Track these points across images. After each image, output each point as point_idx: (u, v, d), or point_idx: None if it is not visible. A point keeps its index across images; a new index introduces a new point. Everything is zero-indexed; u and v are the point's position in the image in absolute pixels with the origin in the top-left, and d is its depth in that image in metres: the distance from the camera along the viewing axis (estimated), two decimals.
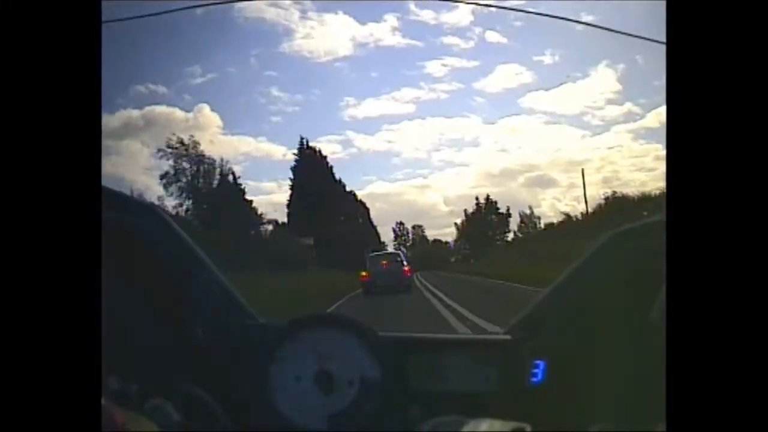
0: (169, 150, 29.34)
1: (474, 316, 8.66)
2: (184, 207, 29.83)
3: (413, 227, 67.62)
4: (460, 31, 69.49)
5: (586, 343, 0.85)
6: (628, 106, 63.67)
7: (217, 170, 31.41)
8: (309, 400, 0.85)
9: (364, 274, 16.63)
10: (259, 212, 33.73)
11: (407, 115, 75.52)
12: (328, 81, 58.88)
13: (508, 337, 0.94)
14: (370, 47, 59.15)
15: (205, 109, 49.44)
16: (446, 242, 65.15)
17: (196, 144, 30.55)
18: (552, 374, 0.86)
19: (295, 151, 45.44)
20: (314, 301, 13.51)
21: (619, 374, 0.81)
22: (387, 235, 61.73)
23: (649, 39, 0.97)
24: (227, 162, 32.61)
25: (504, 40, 65.99)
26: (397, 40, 59.51)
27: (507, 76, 73.31)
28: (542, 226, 52.99)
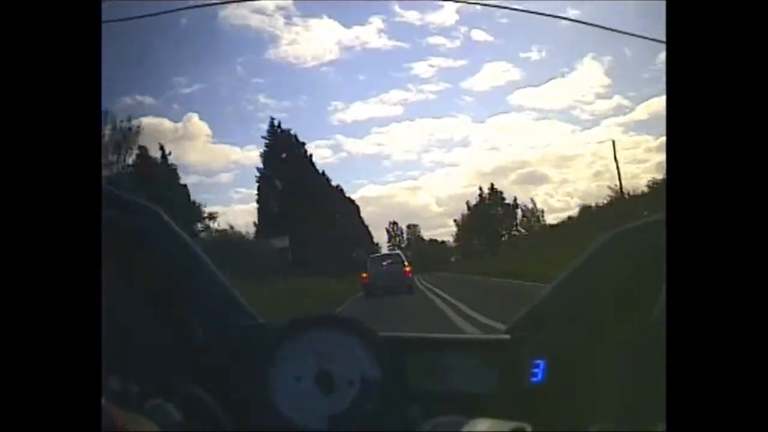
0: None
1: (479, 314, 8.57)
2: None
3: (408, 227, 66.33)
4: (445, 31, 69.22)
5: (587, 343, 0.85)
6: (617, 99, 63.91)
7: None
8: (309, 400, 0.85)
9: (364, 275, 16.65)
10: (202, 205, 28.16)
11: (396, 117, 75.12)
12: (315, 86, 58.42)
13: (508, 336, 0.94)
14: (356, 50, 58.80)
15: (194, 118, 48.04)
16: (442, 241, 64.49)
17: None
18: (552, 374, 0.86)
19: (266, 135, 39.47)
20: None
21: (620, 374, 0.81)
22: (381, 238, 61.13)
23: (638, 36, 0.97)
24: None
25: (490, 38, 65.58)
26: (383, 42, 59.37)
27: (494, 74, 72.51)
28: (546, 220, 51.96)
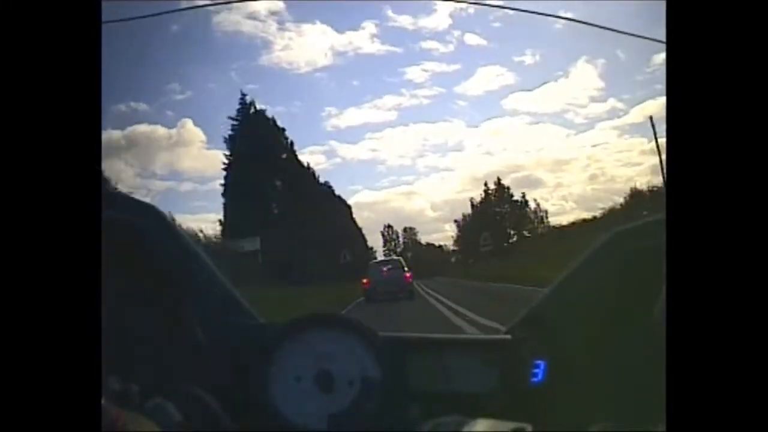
0: None
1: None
2: None
3: (404, 230, 64.69)
4: (438, 35, 69.38)
5: (587, 343, 0.85)
6: (612, 102, 64.07)
7: None
8: (309, 400, 0.85)
9: (365, 281, 16.83)
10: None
11: (390, 122, 74.37)
12: (308, 92, 58.39)
13: (508, 337, 0.94)
14: (349, 56, 58.85)
15: (188, 124, 47.48)
16: (439, 245, 63.72)
17: None
18: (552, 374, 0.86)
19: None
20: None
21: (620, 374, 0.81)
22: (377, 243, 60.15)
23: (635, 35, 0.97)
24: None
25: (483, 42, 65.83)
26: (376, 47, 59.30)
27: (488, 78, 73.01)
28: (549, 221, 50.14)
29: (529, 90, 76.29)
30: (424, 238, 64.87)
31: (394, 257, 22.59)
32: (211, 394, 0.81)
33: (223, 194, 35.13)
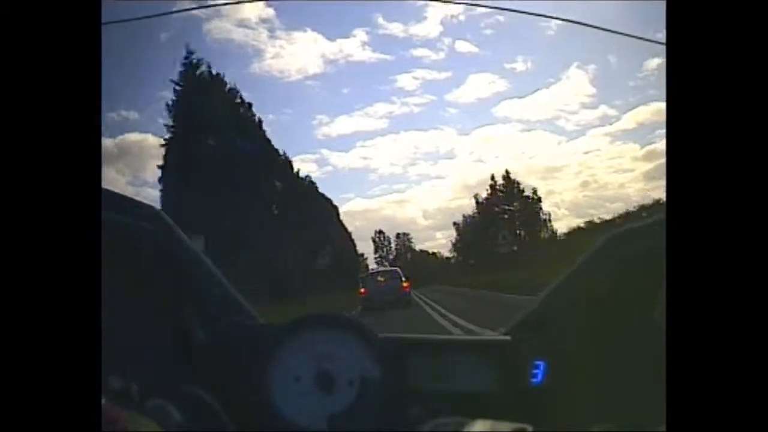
0: None
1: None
2: None
3: (397, 235, 62.17)
4: (430, 43, 68.81)
5: (587, 344, 0.85)
6: (603, 108, 63.92)
7: None
8: (309, 400, 0.85)
9: (362, 290, 16.90)
10: None
11: (381, 130, 74.14)
12: (299, 99, 58.43)
13: (508, 337, 0.94)
14: (340, 63, 58.51)
15: None
16: (433, 252, 62.85)
17: None
18: (552, 374, 0.86)
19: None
20: None
21: (620, 374, 0.81)
22: (368, 249, 59.23)
23: (628, 35, 0.97)
24: None
25: (475, 49, 65.47)
26: (367, 54, 59.22)
27: (479, 85, 72.88)
28: (552, 224, 46.22)
29: (521, 97, 76.14)
30: (416, 246, 63.67)
31: (392, 267, 22.44)
32: (211, 394, 0.81)
33: (161, 179, 26.00)
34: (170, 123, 26.35)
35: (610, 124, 67.00)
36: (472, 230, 49.73)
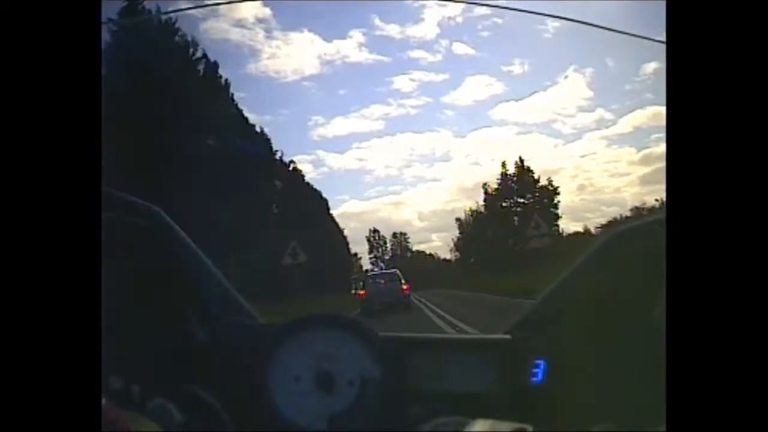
0: None
1: None
2: None
3: (394, 235, 60.79)
4: (427, 45, 69.04)
5: (587, 344, 0.85)
6: (600, 112, 64.02)
7: None
8: (309, 400, 0.85)
9: (362, 293, 17.01)
10: None
11: (377, 132, 74.93)
12: (295, 100, 58.20)
13: (508, 337, 0.94)
14: (336, 64, 58.72)
15: None
16: (430, 253, 62.34)
17: None
18: (552, 374, 0.86)
19: None
20: None
21: (620, 374, 0.81)
22: (363, 249, 58.51)
23: (628, 33, 0.97)
24: None
25: (472, 52, 65.88)
26: (363, 56, 59.36)
27: (476, 88, 73.31)
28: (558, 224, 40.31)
29: (517, 100, 76.47)
30: (413, 248, 62.87)
31: (391, 270, 22.44)
32: (211, 394, 0.81)
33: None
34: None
35: (607, 127, 67.44)
36: (478, 227, 45.04)
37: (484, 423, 0.65)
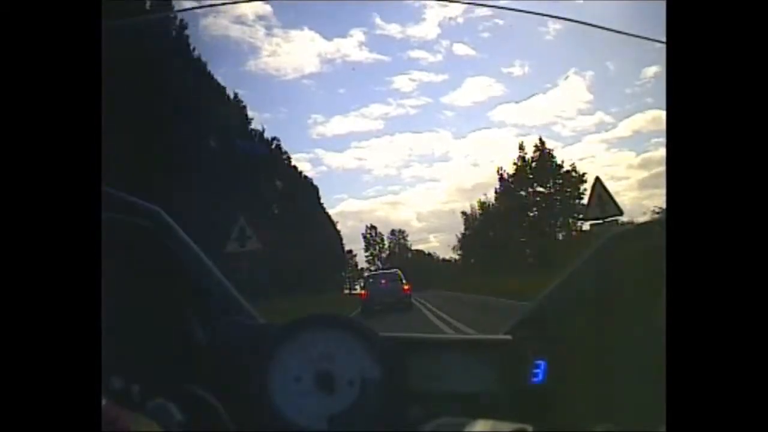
0: None
1: None
2: None
3: (391, 232, 58.86)
4: (427, 45, 68.75)
5: (587, 344, 0.85)
6: (600, 115, 63.66)
7: None
8: (309, 400, 0.85)
9: (363, 292, 17.20)
10: None
11: (376, 131, 73.67)
12: (295, 99, 57.87)
13: (508, 337, 0.94)
14: (336, 63, 58.31)
15: None
16: (428, 253, 61.55)
17: None
18: (553, 374, 0.86)
19: None
20: None
21: (620, 374, 0.81)
22: (360, 248, 57.86)
23: (629, 34, 0.97)
24: None
25: (472, 53, 65.76)
26: (364, 55, 58.86)
27: (476, 89, 72.50)
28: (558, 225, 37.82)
29: (517, 101, 75.78)
30: (411, 247, 61.79)
31: (392, 269, 22.52)
32: (211, 394, 0.81)
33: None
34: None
35: (606, 131, 67.15)
36: (480, 227, 42.14)
37: (484, 423, 0.65)
